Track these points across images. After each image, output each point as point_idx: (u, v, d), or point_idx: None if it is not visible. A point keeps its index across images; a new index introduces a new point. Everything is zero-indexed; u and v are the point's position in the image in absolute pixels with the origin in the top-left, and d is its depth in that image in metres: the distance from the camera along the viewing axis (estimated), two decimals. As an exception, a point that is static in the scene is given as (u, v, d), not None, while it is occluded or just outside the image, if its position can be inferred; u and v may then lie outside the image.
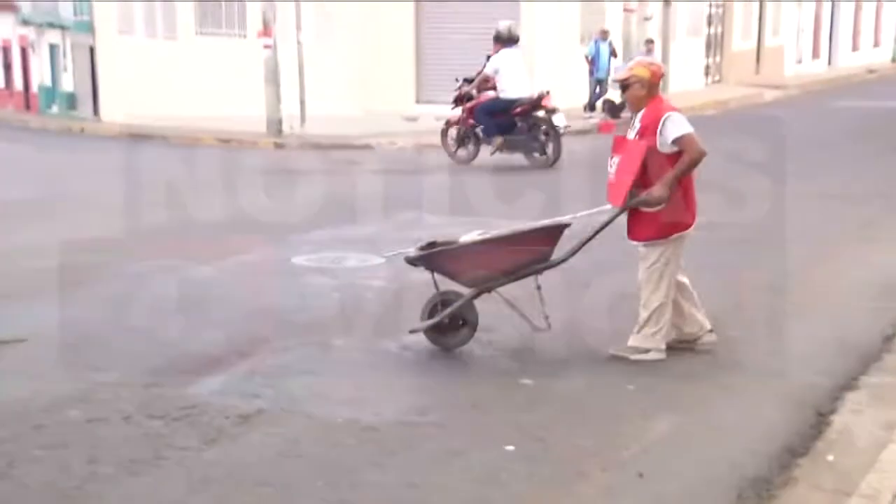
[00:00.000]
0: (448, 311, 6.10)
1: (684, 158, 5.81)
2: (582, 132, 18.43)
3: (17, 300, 7.20)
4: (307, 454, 4.64)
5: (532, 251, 6.04)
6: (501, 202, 10.63)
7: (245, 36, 28.02)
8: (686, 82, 27.89)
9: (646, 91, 5.97)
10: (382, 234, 9.57)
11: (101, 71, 34.26)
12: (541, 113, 13.99)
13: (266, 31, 24.07)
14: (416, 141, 20.18)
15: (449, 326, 6.14)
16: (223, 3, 29.53)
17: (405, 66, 25.03)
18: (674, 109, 5.98)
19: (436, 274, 6.18)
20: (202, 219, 10.46)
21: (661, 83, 6.11)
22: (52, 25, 38.06)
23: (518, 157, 14.22)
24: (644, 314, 5.97)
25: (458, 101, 14.65)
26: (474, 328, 6.19)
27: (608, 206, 6.03)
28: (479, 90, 14.33)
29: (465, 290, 6.15)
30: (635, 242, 6.03)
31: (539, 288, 6.06)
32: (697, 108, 21.75)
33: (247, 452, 4.64)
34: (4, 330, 6.34)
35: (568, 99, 19.87)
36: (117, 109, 30.57)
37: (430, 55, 25.29)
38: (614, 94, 20.42)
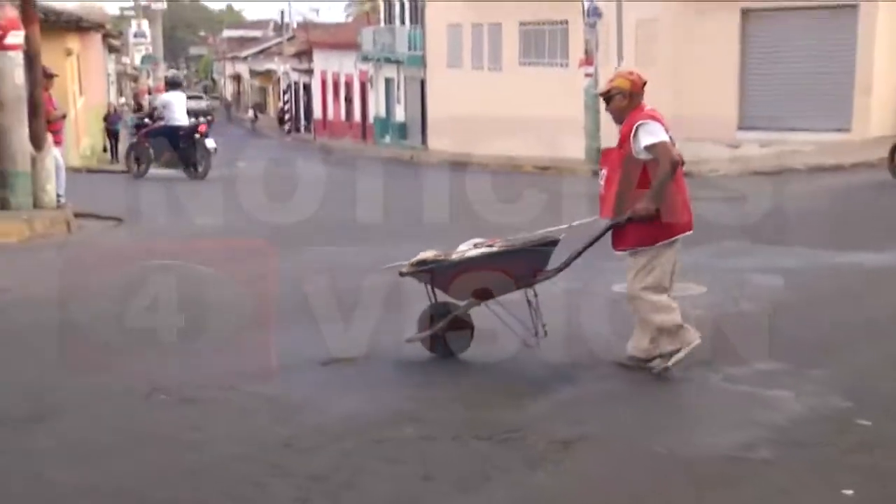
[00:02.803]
0: (442, 323, 6.36)
1: (659, 169, 5.79)
2: None
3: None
4: (629, 483, 4.61)
5: (522, 268, 6.20)
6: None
7: (566, 65, 28.46)
8: None
9: (627, 101, 6.03)
10: (704, 263, 9.35)
11: (430, 102, 35.98)
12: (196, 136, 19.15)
13: (588, 59, 24.33)
14: (740, 168, 19.63)
15: (450, 333, 6.42)
16: (546, 33, 30.14)
17: (727, 90, 24.35)
18: (651, 117, 5.93)
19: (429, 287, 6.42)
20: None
21: (642, 92, 6.07)
22: (388, 60, 40.44)
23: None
24: (651, 328, 5.98)
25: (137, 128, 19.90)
26: (470, 337, 6.46)
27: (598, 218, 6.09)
28: (154, 120, 19.65)
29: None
30: (619, 252, 6.07)
31: (529, 303, 6.26)
32: None
33: (570, 478, 4.67)
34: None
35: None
36: (444, 138, 31.97)
37: (755, 77, 24.40)
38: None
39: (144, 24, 33.41)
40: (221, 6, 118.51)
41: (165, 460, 4.82)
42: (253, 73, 73.33)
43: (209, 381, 6.07)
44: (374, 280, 7.84)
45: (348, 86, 47.77)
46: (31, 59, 13.13)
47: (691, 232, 6.14)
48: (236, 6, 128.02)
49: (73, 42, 28.94)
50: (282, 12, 68.86)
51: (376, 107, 43.26)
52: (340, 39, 48.53)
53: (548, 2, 28.90)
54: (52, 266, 10.26)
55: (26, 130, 13.02)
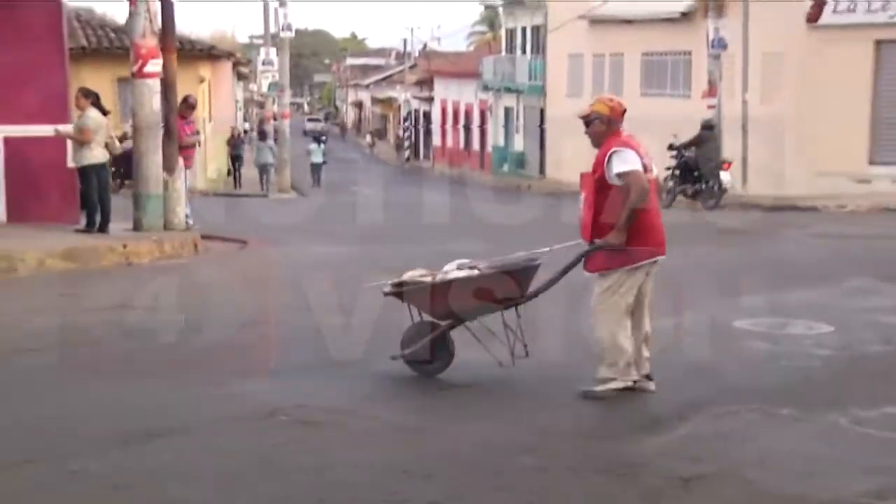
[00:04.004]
0: (424, 341, 6.48)
1: (629, 197, 5.92)
2: None
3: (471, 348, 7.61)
4: (750, 525, 4.51)
5: (500, 291, 6.32)
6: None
7: (689, 96, 28.13)
8: None
9: (606, 127, 6.16)
10: (830, 301, 9.15)
11: (548, 131, 35.97)
12: None
13: (711, 90, 24.02)
14: (870, 204, 19.07)
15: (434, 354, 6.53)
16: (669, 64, 29.89)
17: (858, 124, 23.68)
18: (626, 144, 6.07)
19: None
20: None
21: (621, 119, 6.19)
22: (508, 90, 40.65)
23: None
24: (599, 347, 6.16)
25: None
26: (450, 357, 6.59)
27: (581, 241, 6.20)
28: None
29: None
30: (589, 274, 6.21)
31: (506, 325, 6.40)
32: None
33: (688, 516, 4.60)
34: (461, 375, 6.77)
35: None
36: (562, 168, 31.90)
37: (888, 109, 23.66)
38: None
39: (272, 51, 34.30)
40: (346, 34, 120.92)
41: (284, 483, 4.84)
42: (374, 101, 74.61)
43: (330, 404, 6.16)
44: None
45: (467, 114, 48.13)
46: (167, 87, 13.64)
47: (663, 257, 6.26)
48: (360, 34, 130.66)
49: (206, 70, 30.02)
50: (404, 41, 69.94)
51: (495, 136, 43.44)
52: (461, 68, 49.00)
53: (671, 32, 28.67)
54: (178, 287, 10.54)
55: (160, 155, 13.50)
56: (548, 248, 6.48)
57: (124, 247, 12.31)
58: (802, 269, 11.19)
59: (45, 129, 13.35)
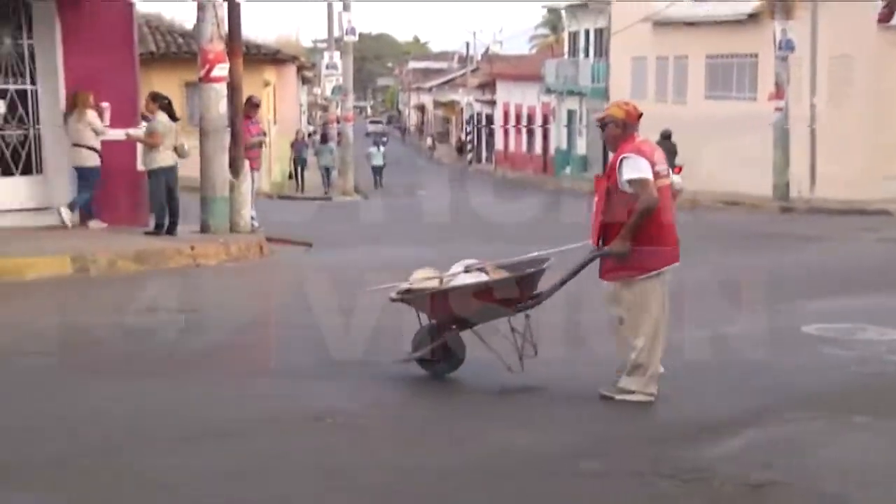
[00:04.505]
0: (433, 344, 6.51)
1: (637, 205, 5.86)
2: None
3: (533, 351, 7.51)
4: (821, 533, 4.41)
5: (504, 297, 6.31)
6: None
7: (755, 99, 27.77)
8: None
9: (620, 131, 6.11)
10: (899, 307, 8.96)
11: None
12: None
13: (778, 93, 23.69)
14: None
15: (440, 355, 6.55)
16: (735, 66, 29.54)
17: (930, 127, 23.18)
18: (638, 151, 6.00)
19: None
20: (697, 278, 9.84)
21: (637, 123, 6.16)
22: (571, 93, 40.42)
23: None
24: (631, 356, 6.04)
25: None
26: (461, 359, 6.59)
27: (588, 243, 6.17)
28: None
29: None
30: (605, 283, 6.13)
31: (513, 330, 6.39)
32: None
33: (758, 523, 4.52)
34: (520, 378, 6.72)
35: None
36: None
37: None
38: None
39: (336, 55, 34.51)
40: (408, 38, 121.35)
41: (326, 484, 4.80)
42: (436, 104, 74.80)
43: (378, 408, 6.14)
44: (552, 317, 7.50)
45: (530, 117, 48.01)
46: (233, 90, 13.76)
47: (677, 264, 6.18)
48: (422, 38, 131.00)
49: (271, 73, 30.33)
50: (466, 44, 69.99)
51: (557, 139, 43.24)
52: (524, 71, 48.90)
53: (737, 34, 28.33)
54: (243, 289, 10.59)
55: (227, 158, 13.63)
56: (555, 250, 6.50)
57: (192, 249, 12.38)
58: (872, 273, 10.96)
59: (116, 133, 13.52)
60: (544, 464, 5.11)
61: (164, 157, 13.17)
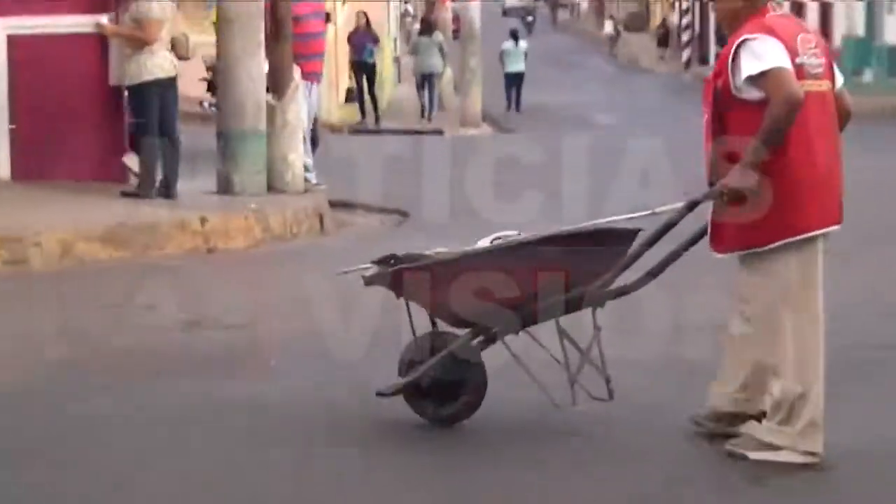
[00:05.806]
0: (426, 365, 4.35)
1: (767, 113, 3.85)
2: None
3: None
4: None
5: (571, 270, 4.27)
6: None
7: None
8: None
9: (742, 2, 4.13)
10: None
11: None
12: None
13: None
14: None
15: (437, 390, 4.44)
16: None
17: None
18: (768, 30, 3.94)
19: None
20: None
21: None
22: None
23: None
24: (772, 389, 4.03)
25: None
26: (480, 394, 4.42)
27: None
28: None
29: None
30: (719, 255, 4.16)
31: (560, 332, 4.43)
32: None
33: None
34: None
35: None
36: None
37: None
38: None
39: None
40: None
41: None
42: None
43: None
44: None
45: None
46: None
47: (838, 227, 4.05)
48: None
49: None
50: None
51: (849, 21, 34.99)
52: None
53: None
54: (291, 294, 6.90)
55: (262, 64, 9.47)
56: (648, 212, 4.31)
57: (202, 223, 8.65)
58: None
59: (79, 23, 9.49)
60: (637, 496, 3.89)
61: (159, 63, 9.03)
